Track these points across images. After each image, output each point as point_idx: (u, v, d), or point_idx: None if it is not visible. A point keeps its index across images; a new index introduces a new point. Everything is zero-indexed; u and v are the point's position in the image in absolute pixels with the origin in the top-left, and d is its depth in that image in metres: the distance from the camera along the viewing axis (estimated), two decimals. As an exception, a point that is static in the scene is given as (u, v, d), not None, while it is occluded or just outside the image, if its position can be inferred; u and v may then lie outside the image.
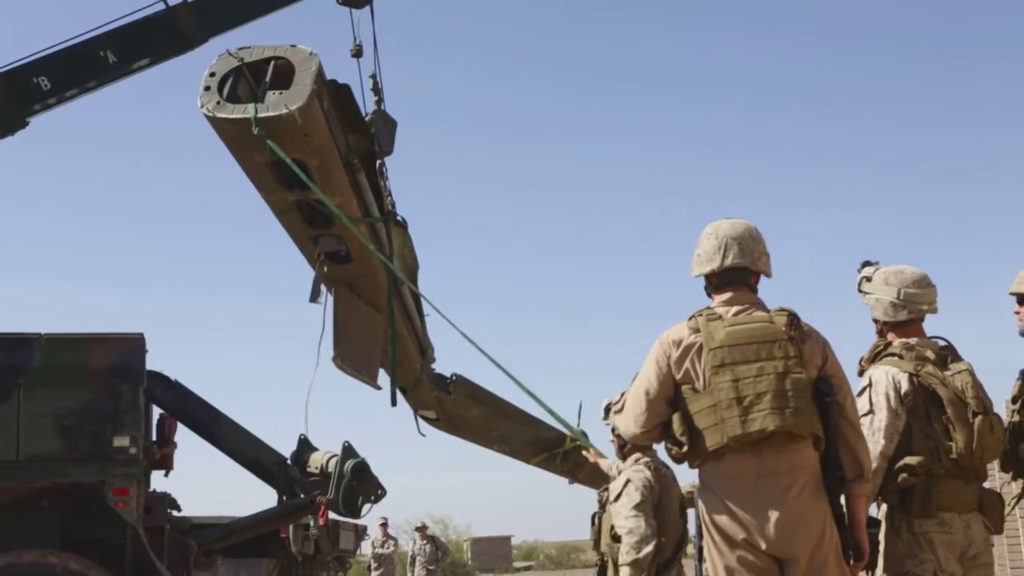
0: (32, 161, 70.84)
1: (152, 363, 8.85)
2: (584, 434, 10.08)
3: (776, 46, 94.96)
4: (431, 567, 21.00)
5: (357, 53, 8.25)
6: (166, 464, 9.27)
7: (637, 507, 5.95)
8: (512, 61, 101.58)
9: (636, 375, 4.31)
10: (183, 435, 9.47)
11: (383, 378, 7.86)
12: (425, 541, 21.37)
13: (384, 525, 21.13)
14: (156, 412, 9.37)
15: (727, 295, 4.26)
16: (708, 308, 4.25)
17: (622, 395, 4.39)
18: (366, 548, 19.48)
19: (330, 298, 7.00)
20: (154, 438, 9.20)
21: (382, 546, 20.87)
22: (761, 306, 4.26)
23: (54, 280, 76.38)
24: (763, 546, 3.94)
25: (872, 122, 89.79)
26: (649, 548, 5.83)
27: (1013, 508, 5.04)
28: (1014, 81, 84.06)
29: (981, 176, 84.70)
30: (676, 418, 4.08)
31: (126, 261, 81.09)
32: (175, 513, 9.22)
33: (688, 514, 6.52)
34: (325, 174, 6.01)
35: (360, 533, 13.19)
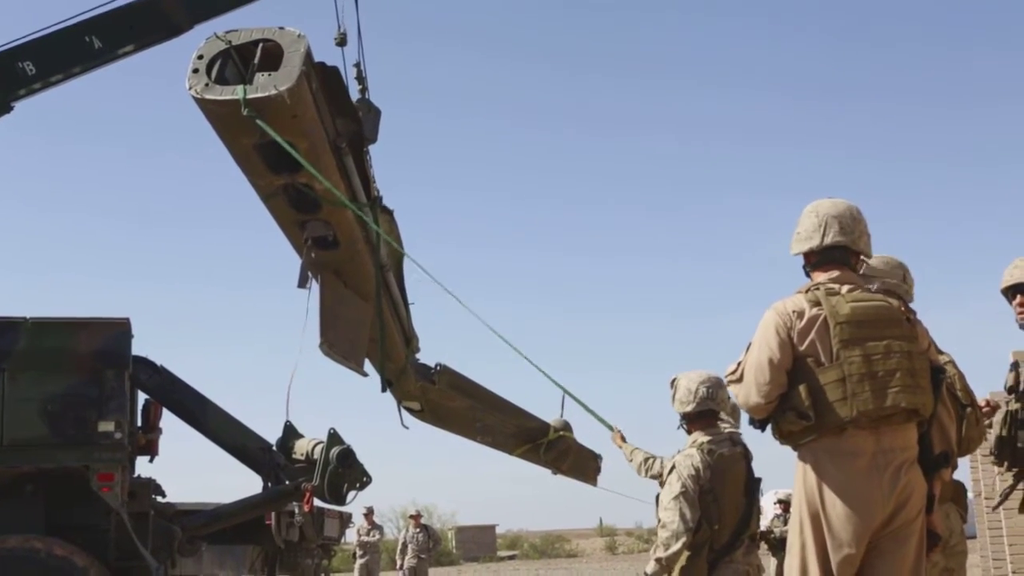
0: (16, 147, 70.48)
1: (138, 349, 8.83)
2: (567, 425, 10.08)
3: (770, 40, 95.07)
4: (423, 555, 21.00)
5: (341, 42, 8.25)
6: (151, 450, 9.25)
7: (676, 498, 5.70)
8: (504, 52, 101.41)
9: (749, 345, 4.24)
10: (168, 421, 9.46)
11: (369, 366, 7.84)
12: (418, 529, 21.37)
13: (369, 513, 21.11)
14: (141, 397, 9.34)
15: (834, 273, 4.24)
16: (821, 283, 4.21)
17: (739, 364, 4.26)
18: (351, 536, 19.47)
19: (316, 285, 6.97)
20: (139, 423, 9.17)
21: (367, 534, 20.86)
22: (865, 287, 4.27)
23: (39, 267, 76.09)
24: (874, 521, 3.95)
25: (863, 116, 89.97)
26: (677, 546, 5.64)
27: (1005, 499, 5.08)
28: (1005, 75, 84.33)
29: (970, 170, 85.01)
30: (803, 389, 4.02)
31: (112, 249, 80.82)
32: (160, 499, 9.20)
33: (759, 493, 6.15)
34: (313, 157, 5.97)
35: (345, 521, 13.17)
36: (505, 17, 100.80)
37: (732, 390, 4.36)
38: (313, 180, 6.06)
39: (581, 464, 10.45)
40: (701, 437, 5.94)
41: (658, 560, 5.67)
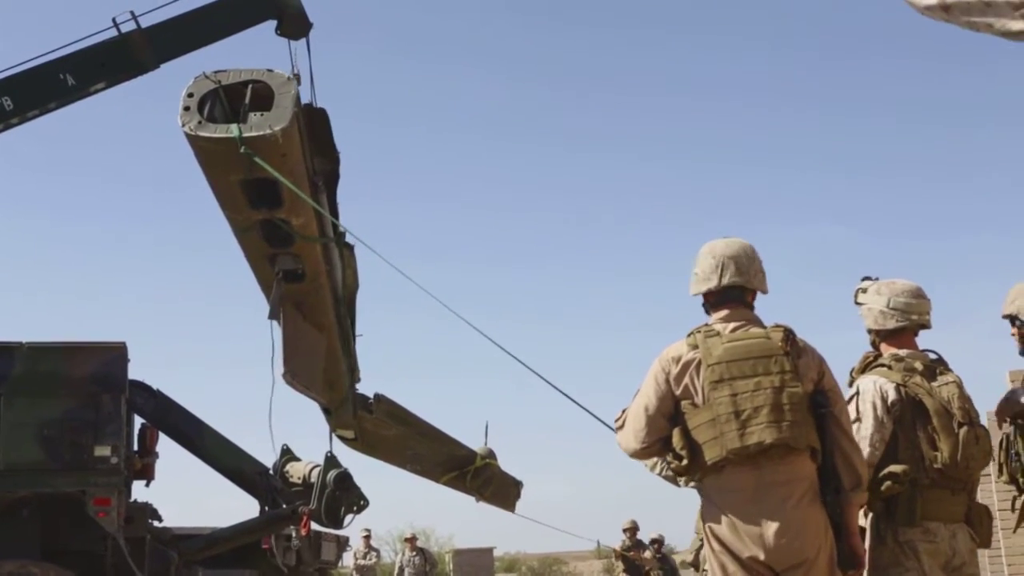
0: (7, 166, 70.68)
1: (134, 372, 8.84)
2: (492, 452, 10.25)
3: (756, 57, 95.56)
4: (418, 579, 20.92)
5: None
6: (147, 474, 9.25)
7: None
8: (494, 69, 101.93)
9: (636, 392, 4.38)
10: (165, 445, 9.45)
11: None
12: (414, 552, 21.30)
13: (367, 536, 21.06)
14: (138, 422, 9.34)
15: (724, 312, 4.37)
16: (706, 325, 4.35)
17: (623, 411, 4.47)
18: (348, 559, 19.41)
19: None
20: (135, 448, 9.17)
21: (364, 557, 20.80)
22: (758, 322, 4.37)
23: (38, 288, 76.10)
24: (762, 556, 4.01)
25: (853, 132, 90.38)
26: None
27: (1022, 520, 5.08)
28: (993, 89, 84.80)
29: (969, 183, 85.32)
30: (676, 433, 4.18)
31: (108, 271, 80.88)
32: (156, 523, 9.19)
33: None
34: (295, 192, 6.21)
35: (342, 544, 13.15)
36: (497, 31, 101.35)
37: (616, 437, 4.51)
38: (291, 215, 6.27)
39: (503, 491, 10.67)
40: None
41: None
